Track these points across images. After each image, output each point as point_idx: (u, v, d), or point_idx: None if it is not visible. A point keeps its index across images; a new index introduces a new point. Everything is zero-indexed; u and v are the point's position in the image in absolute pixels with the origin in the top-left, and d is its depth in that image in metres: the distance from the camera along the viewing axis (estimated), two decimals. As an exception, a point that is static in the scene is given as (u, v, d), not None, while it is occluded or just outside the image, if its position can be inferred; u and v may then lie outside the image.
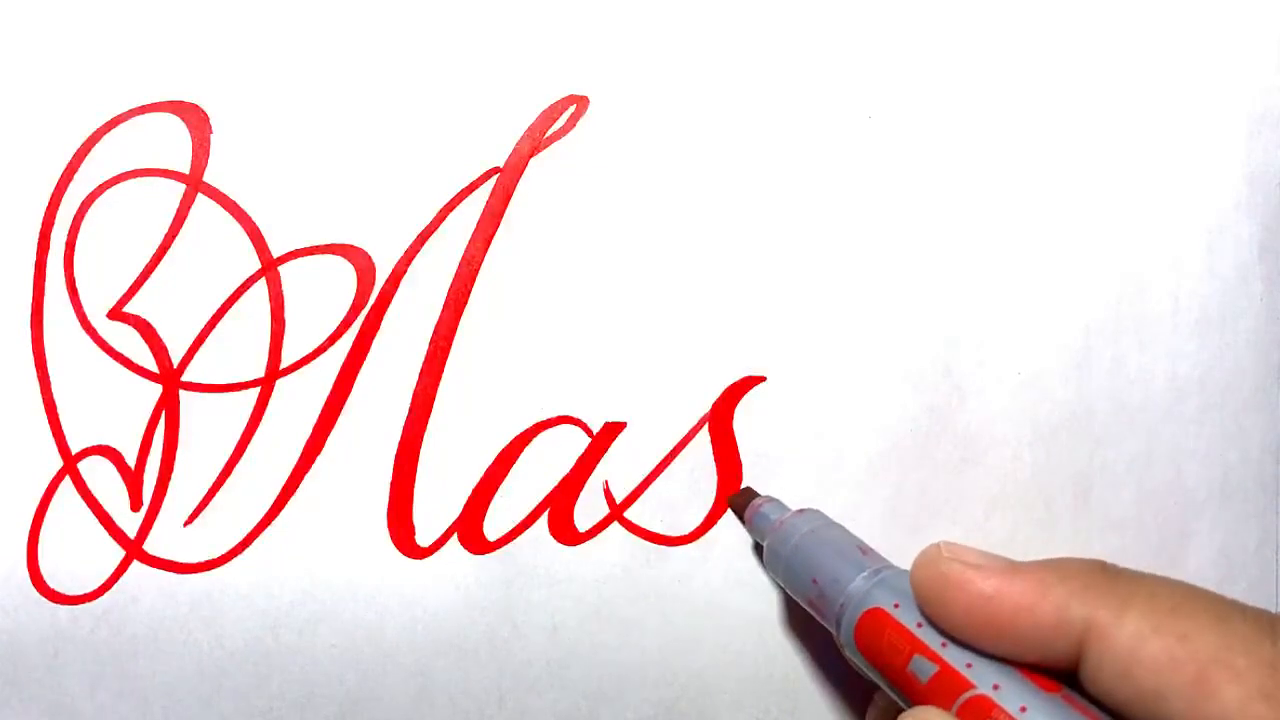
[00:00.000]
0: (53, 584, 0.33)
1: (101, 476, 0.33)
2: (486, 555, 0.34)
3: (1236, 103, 0.36)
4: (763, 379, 0.34)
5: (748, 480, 0.34)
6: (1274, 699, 0.22)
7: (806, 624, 0.34)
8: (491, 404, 0.34)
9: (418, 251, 0.34)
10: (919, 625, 0.27)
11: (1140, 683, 0.23)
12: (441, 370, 0.34)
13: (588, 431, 0.34)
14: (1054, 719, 0.24)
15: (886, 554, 0.34)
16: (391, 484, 0.34)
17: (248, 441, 0.33)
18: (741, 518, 0.34)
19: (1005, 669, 0.25)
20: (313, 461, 0.34)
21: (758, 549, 0.34)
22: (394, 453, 0.34)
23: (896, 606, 0.27)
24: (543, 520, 0.34)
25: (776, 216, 0.34)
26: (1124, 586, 0.25)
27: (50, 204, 0.33)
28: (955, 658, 0.26)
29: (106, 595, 0.33)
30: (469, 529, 0.34)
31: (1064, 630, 0.24)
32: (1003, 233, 0.35)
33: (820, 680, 0.35)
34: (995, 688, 0.25)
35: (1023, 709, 0.24)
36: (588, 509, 0.34)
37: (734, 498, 0.34)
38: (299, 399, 0.34)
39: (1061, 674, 0.25)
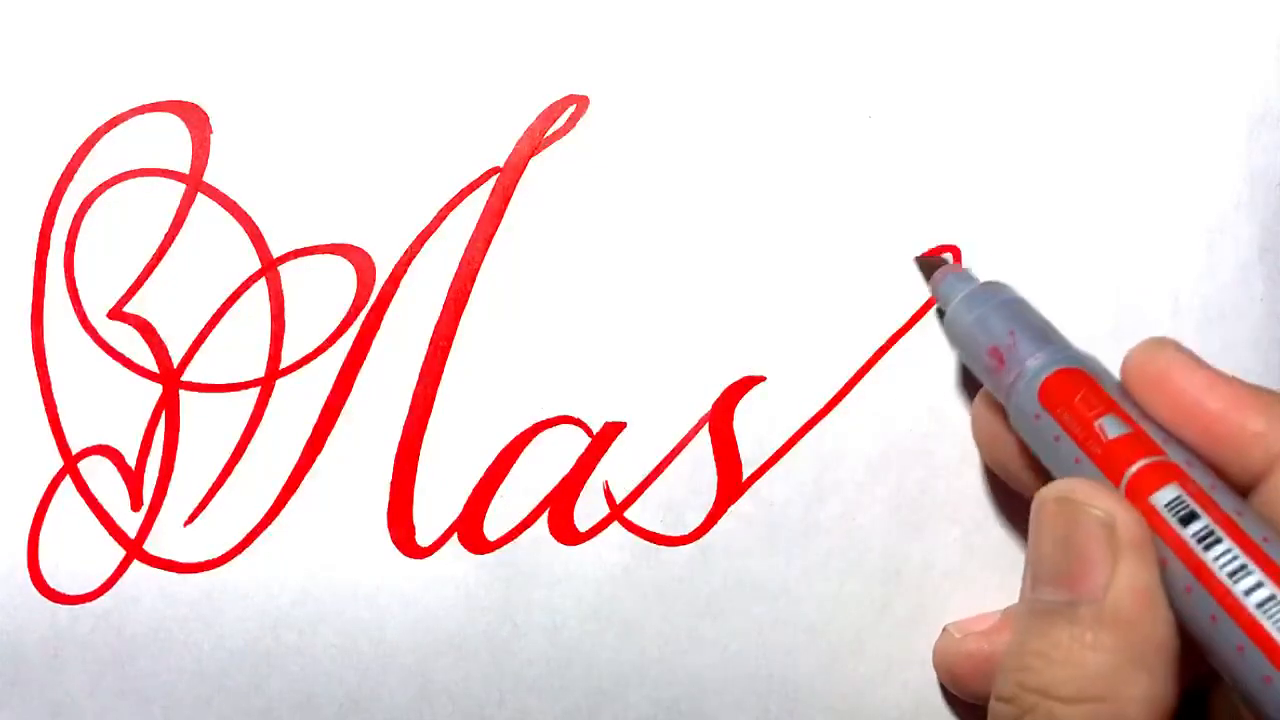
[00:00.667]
0: (53, 584, 0.33)
1: (101, 476, 0.33)
2: (486, 555, 0.34)
3: (1236, 103, 0.36)
4: (763, 379, 0.34)
5: (745, 476, 0.34)
6: None
7: (807, 625, 0.34)
8: (491, 404, 0.34)
9: (418, 251, 0.34)
10: (1120, 397, 0.27)
11: None
12: (441, 370, 0.34)
13: (588, 431, 0.34)
14: (1238, 505, 0.24)
15: (888, 554, 0.35)
16: (391, 484, 0.34)
17: (248, 441, 0.34)
18: (927, 279, 0.34)
19: (1196, 458, 0.26)
20: (313, 461, 0.34)
21: (939, 315, 0.34)
22: (394, 453, 0.34)
23: (1099, 377, 0.28)
24: (543, 520, 0.34)
25: (776, 216, 0.34)
26: None
27: (50, 204, 0.33)
28: (1151, 429, 0.26)
29: (107, 595, 0.33)
30: (469, 529, 0.34)
31: (1260, 443, 0.25)
32: (1003, 232, 0.35)
33: (820, 680, 0.35)
34: (1187, 463, 0.25)
35: (1212, 486, 0.24)
36: (588, 509, 0.34)
37: (923, 259, 0.34)
38: (299, 399, 0.34)
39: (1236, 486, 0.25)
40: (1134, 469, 0.25)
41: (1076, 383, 0.27)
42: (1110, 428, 0.26)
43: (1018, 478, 0.32)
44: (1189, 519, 0.24)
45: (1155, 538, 0.24)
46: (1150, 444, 0.26)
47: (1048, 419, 0.27)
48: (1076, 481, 0.25)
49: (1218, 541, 0.23)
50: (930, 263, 0.34)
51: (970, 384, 0.34)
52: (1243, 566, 0.23)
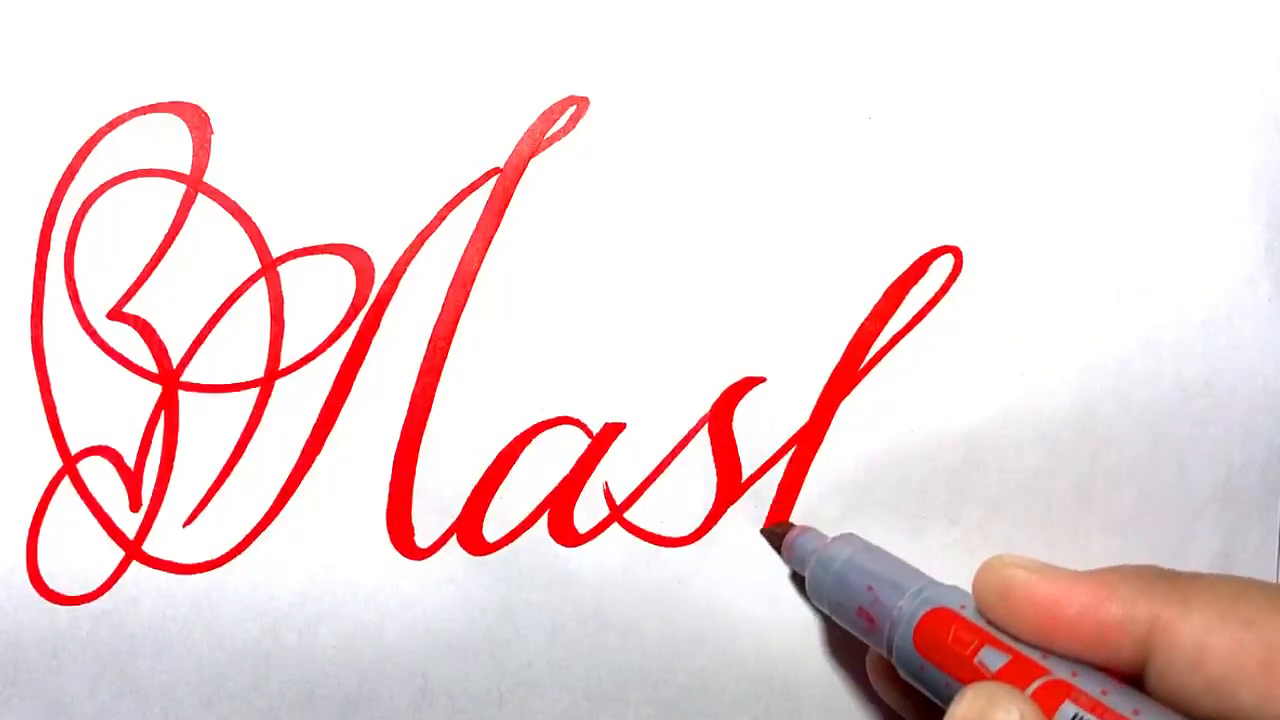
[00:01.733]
0: (52, 584, 0.33)
1: (101, 477, 0.33)
2: (486, 556, 0.34)
3: (1242, 104, 0.36)
4: (763, 379, 0.34)
5: (745, 476, 0.34)
6: None
7: (807, 625, 0.34)
8: (491, 404, 0.34)
9: (417, 251, 0.34)
10: (989, 623, 0.27)
11: (1209, 672, 0.24)
12: (441, 370, 0.34)
13: (588, 432, 0.34)
14: (1134, 702, 0.24)
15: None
16: (391, 484, 0.34)
17: (247, 441, 0.34)
18: (779, 549, 0.34)
19: (1078, 664, 0.25)
20: (312, 461, 0.34)
21: (795, 578, 0.34)
22: (393, 453, 0.34)
23: (963, 608, 0.28)
24: (542, 521, 0.34)
25: (776, 217, 0.34)
26: (1185, 583, 0.25)
27: (50, 204, 0.33)
28: (1029, 650, 0.26)
29: (106, 595, 0.33)
30: (468, 530, 0.34)
31: (1130, 629, 0.25)
32: (1003, 233, 0.35)
33: (821, 680, 0.35)
34: (1074, 674, 0.25)
35: (1104, 691, 0.24)
36: (588, 509, 0.34)
37: (769, 530, 0.34)
38: (298, 399, 0.34)
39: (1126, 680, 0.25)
40: (1030, 691, 0.25)
41: (945, 622, 0.27)
42: (991, 660, 0.26)
43: None
44: None
45: None
46: (1033, 666, 0.25)
47: (931, 668, 0.27)
48: (997, 685, 0.25)
49: None
50: (774, 533, 0.34)
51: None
52: None
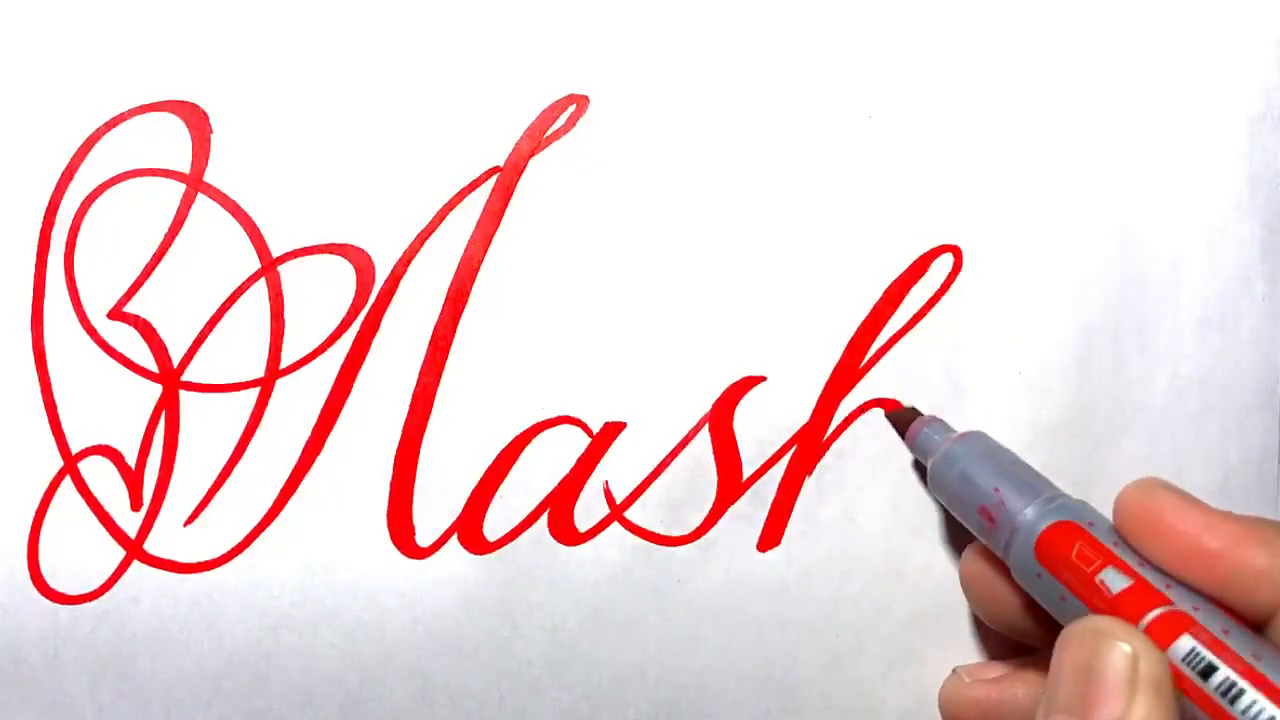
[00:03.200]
0: (53, 584, 0.33)
1: (101, 476, 0.33)
2: (486, 555, 0.34)
3: (1237, 103, 0.36)
4: (763, 379, 0.34)
5: (746, 476, 0.34)
6: None
7: (807, 625, 0.34)
8: (491, 404, 0.34)
9: (417, 251, 0.34)
10: (1116, 544, 0.27)
11: None
12: (441, 370, 0.34)
13: (588, 431, 0.34)
14: (1255, 647, 0.24)
15: (888, 554, 0.35)
16: (391, 484, 0.34)
17: (248, 441, 0.34)
18: (902, 434, 0.34)
19: (1203, 598, 0.25)
20: (313, 461, 0.34)
21: (918, 467, 0.34)
22: (394, 453, 0.34)
23: (1091, 525, 0.27)
24: (542, 520, 0.34)
25: (776, 216, 0.34)
26: None
27: (50, 204, 0.33)
28: (1154, 576, 0.26)
29: (106, 595, 0.33)
30: (469, 529, 0.34)
31: (1268, 578, 0.25)
32: (1003, 232, 0.35)
33: (821, 680, 0.35)
34: (1195, 608, 0.25)
35: (1225, 631, 0.24)
36: (588, 509, 0.34)
37: (895, 414, 0.34)
38: (299, 399, 0.34)
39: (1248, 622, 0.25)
40: (1143, 624, 0.25)
41: (1070, 536, 0.27)
42: (1112, 582, 0.26)
43: (1019, 628, 0.31)
44: (1208, 672, 0.24)
45: (1179, 693, 0.24)
46: (1156, 594, 0.25)
47: (1049, 577, 0.27)
48: (1105, 619, 0.25)
49: (1241, 693, 0.23)
50: (901, 418, 0.34)
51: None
52: (1272, 718, 0.23)
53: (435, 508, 0.34)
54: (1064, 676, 0.25)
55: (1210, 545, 0.25)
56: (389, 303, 0.34)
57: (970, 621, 0.35)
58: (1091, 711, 0.24)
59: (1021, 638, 0.32)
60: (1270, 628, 0.25)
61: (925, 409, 0.34)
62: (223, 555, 0.34)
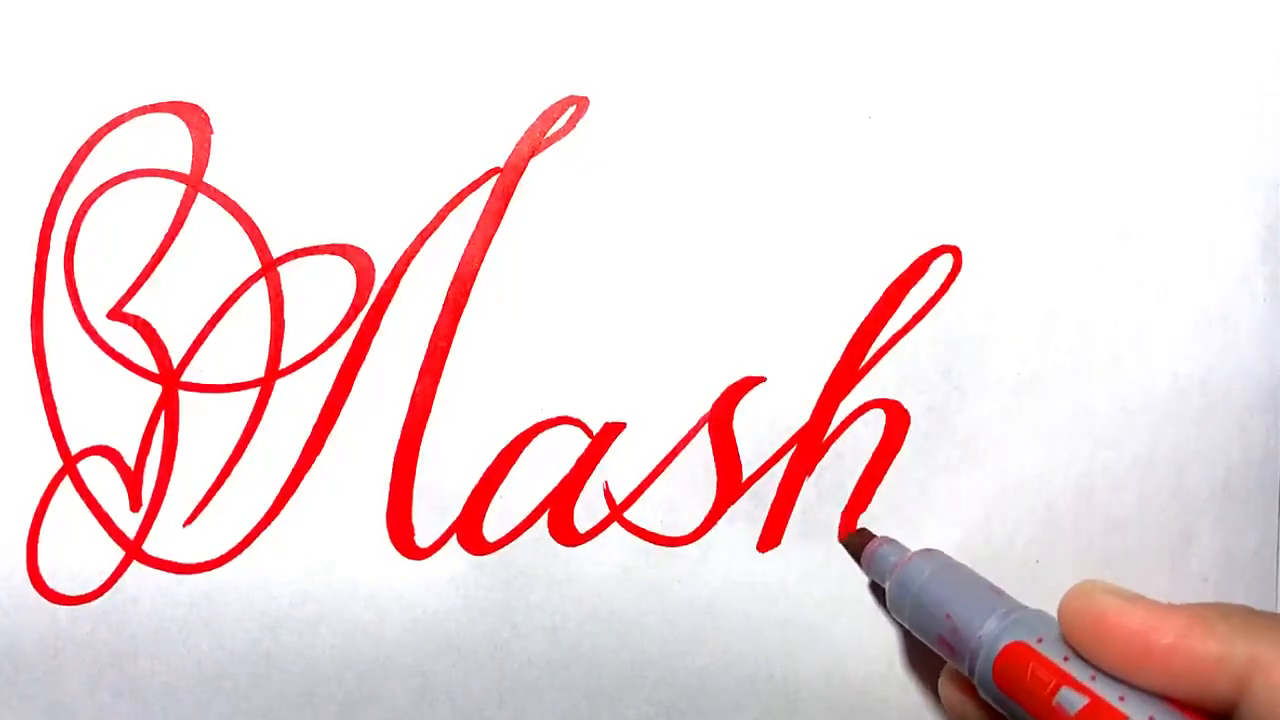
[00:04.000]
0: (53, 584, 0.33)
1: (101, 476, 0.33)
2: (486, 556, 0.34)
3: (1237, 103, 0.36)
4: (763, 379, 0.34)
5: (746, 476, 0.34)
6: None
7: (807, 625, 0.34)
8: (491, 404, 0.34)
9: (417, 251, 0.34)
10: (1065, 659, 0.26)
11: None
12: (441, 370, 0.34)
13: (588, 432, 0.34)
14: None
15: (887, 553, 0.34)
16: (391, 484, 0.34)
17: (248, 441, 0.34)
18: (857, 558, 0.34)
19: (1159, 703, 0.25)
20: (312, 461, 0.34)
21: (874, 589, 0.34)
22: (393, 453, 0.34)
23: (1040, 641, 0.27)
24: (542, 521, 0.34)
25: (776, 216, 0.34)
26: None
27: (50, 204, 0.33)
28: (1107, 691, 0.25)
29: (106, 595, 0.33)
30: (468, 529, 0.34)
31: (1224, 667, 0.24)
32: (1002, 232, 0.35)
33: (820, 680, 0.35)
34: (1151, 718, 0.24)
35: None
36: (588, 509, 0.34)
37: (849, 538, 0.34)
38: (299, 399, 0.34)
39: (1211, 717, 0.24)
40: None
41: (1023, 658, 0.27)
42: (1069, 702, 0.26)
43: None
44: None
45: None
46: (1111, 711, 0.25)
47: (1013, 704, 0.27)
48: None
49: None
50: (853, 542, 0.34)
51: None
52: None
53: (435, 508, 0.34)
54: None
55: (1160, 642, 0.25)
56: (389, 303, 0.34)
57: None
58: None
59: None
60: (1239, 712, 0.24)
61: (925, 409, 0.34)
62: (222, 555, 0.34)
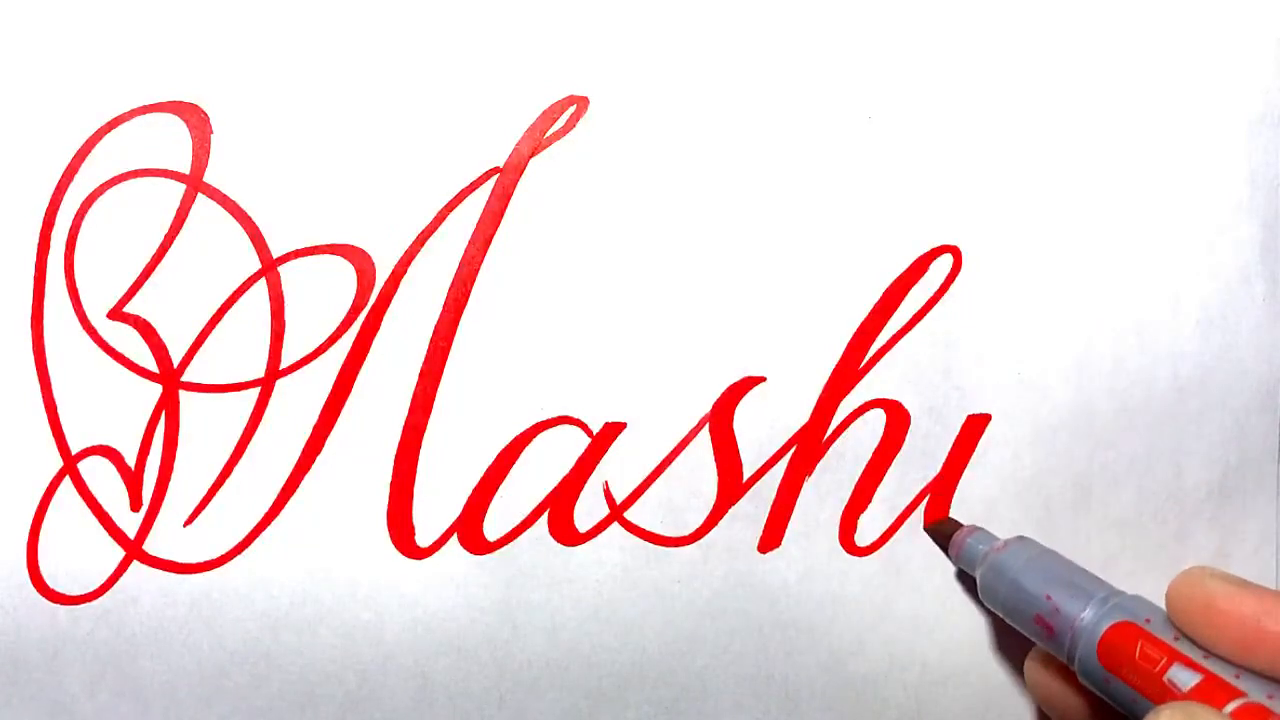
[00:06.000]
0: (53, 584, 0.33)
1: (101, 476, 0.33)
2: (486, 555, 0.34)
3: (1237, 103, 0.36)
4: (763, 379, 0.34)
5: (746, 474, 0.34)
6: None
7: (807, 625, 0.34)
8: (491, 404, 0.34)
9: (418, 251, 0.34)
10: (1176, 639, 0.26)
11: None
12: (441, 370, 0.34)
13: (588, 431, 0.34)
14: None
15: (887, 554, 0.35)
16: (391, 484, 0.34)
17: (248, 441, 0.33)
18: (944, 547, 0.34)
19: (1275, 684, 0.25)
20: (313, 461, 0.34)
21: (961, 576, 0.34)
22: (394, 453, 0.34)
23: (1148, 622, 0.27)
24: (543, 521, 0.34)
25: (776, 217, 0.34)
26: None
27: (50, 204, 0.33)
28: (1220, 668, 0.25)
29: (106, 595, 0.33)
30: (469, 529, 0.34)
31: None
32: (1002, 233, 0.35)
33: (820, 680, 0.35)
34: (1270, 697, 0.24)
35: None
36: (588, 509, 0.34)
37: (935, 526, 0.34)
38: (299, 399, 0.34)
39: None
40: (1226, 713, 0.24)
41: (1131, 636, 0.27)
42: (1182, 679, 0.26)
43: None
44: None
45: None
46: (1228, 688, 0.25)
47: (1117, 681, 0.27)
48: (1195, 704, 0.25)
49: None
50: (942, 529, 0.34)
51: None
52: None
53: (435, 508, 0.34)
54: None
55: (1272, 628, 0.25)
56: (389, 303, 0.34)
57: (969, 621, 0.35)
58: None
59: None
60: None
61: (925, 409, 0.34)
62: (222, 555, 0.34)
